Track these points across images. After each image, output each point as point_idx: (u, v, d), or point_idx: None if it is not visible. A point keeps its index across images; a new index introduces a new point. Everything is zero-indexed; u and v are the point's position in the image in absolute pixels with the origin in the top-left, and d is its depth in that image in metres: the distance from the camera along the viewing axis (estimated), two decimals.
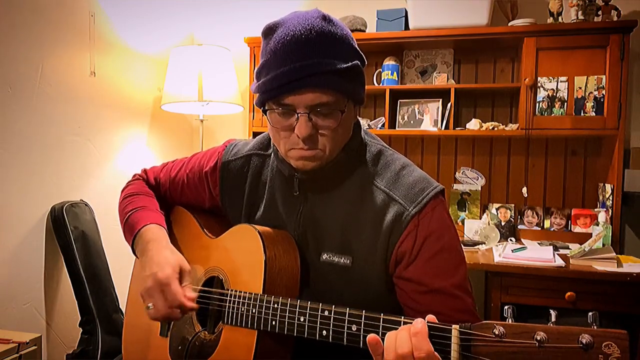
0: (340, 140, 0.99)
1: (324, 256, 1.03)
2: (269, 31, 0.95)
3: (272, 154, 1.13)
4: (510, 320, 0.70)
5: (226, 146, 1.22)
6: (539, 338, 0.65)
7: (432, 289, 0.94)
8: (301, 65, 0.89)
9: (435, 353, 0.74)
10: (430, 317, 0.79)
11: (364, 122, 2.69)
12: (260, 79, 0.95)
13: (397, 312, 0.86)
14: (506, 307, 0.72)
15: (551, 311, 0.69)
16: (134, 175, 1.34)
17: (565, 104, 2.35)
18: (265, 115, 0.99)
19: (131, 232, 1.16)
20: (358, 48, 0.97)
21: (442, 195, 1.01)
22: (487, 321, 0.71)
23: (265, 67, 0.94)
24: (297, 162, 0.99)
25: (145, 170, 1.34)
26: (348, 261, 1.00)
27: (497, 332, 0.68)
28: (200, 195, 1.23)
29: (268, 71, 0.93)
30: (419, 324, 0.76)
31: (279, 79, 0.90)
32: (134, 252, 1.17)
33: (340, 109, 0.94)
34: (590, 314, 0.64)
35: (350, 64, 0.92)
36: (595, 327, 0.64)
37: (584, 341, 0.63)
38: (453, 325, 0.75)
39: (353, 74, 0.94)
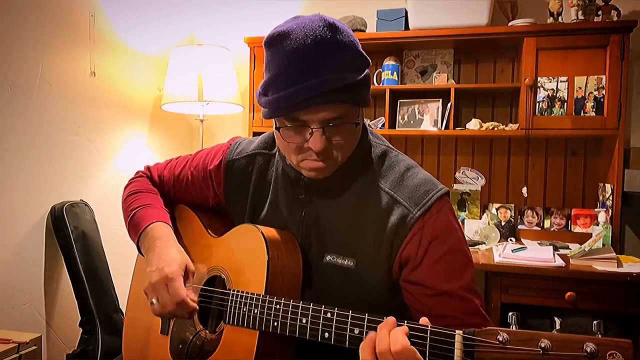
0: (352, 147, 0.99)
1: (328, 258, 1.02)
2: (273, 42, 0.90)
3: (277, 154, 1.12)
4: (514, 326, 0.70)
5: (230, 144, 1.20)
6: (543, 345, 0.65)
7: (440, 292, 0.93)
8: (312, 83, 0.85)
9: (412, 347, 0.74)
10: (424, 320, 0.79)
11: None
12: (269, 94, 0.92)
13: (400, 315, 0.85)
14: (510, 314, 0.72)
15: (555, 319, 0.69)
16: (137, 172, 1.32)
17: (565, 104, 2.34)
18: (277, 130, 0.97)
19: (136, 230, 1.14)
20: (362, 50, 0.95)
21: (447, 197, 1.00)
22: (491, 327, 0.71)
23: (273, 83, 0.90)
24: (309, 173, 0.98)
25: (148, 167, 1.32)
26: (351, 263, 1.00)
27: (501, 339, 0.68)
28: (205, 194, 1.22)
29: (277, 88, 0.89)
30: (390, 319, 0.78)
31: (289, 98, 0.87)
32: (139, 250, 1.16)
33: (355, 122, 0.93)
34: (595, 322, 0.64)
35: (362, 75, 0.91)
36: (599, 335, 0.64)
37: (588, 350, 0.63)
38: (457, 331, 0.75)
39: (364, 83, 0.92)
